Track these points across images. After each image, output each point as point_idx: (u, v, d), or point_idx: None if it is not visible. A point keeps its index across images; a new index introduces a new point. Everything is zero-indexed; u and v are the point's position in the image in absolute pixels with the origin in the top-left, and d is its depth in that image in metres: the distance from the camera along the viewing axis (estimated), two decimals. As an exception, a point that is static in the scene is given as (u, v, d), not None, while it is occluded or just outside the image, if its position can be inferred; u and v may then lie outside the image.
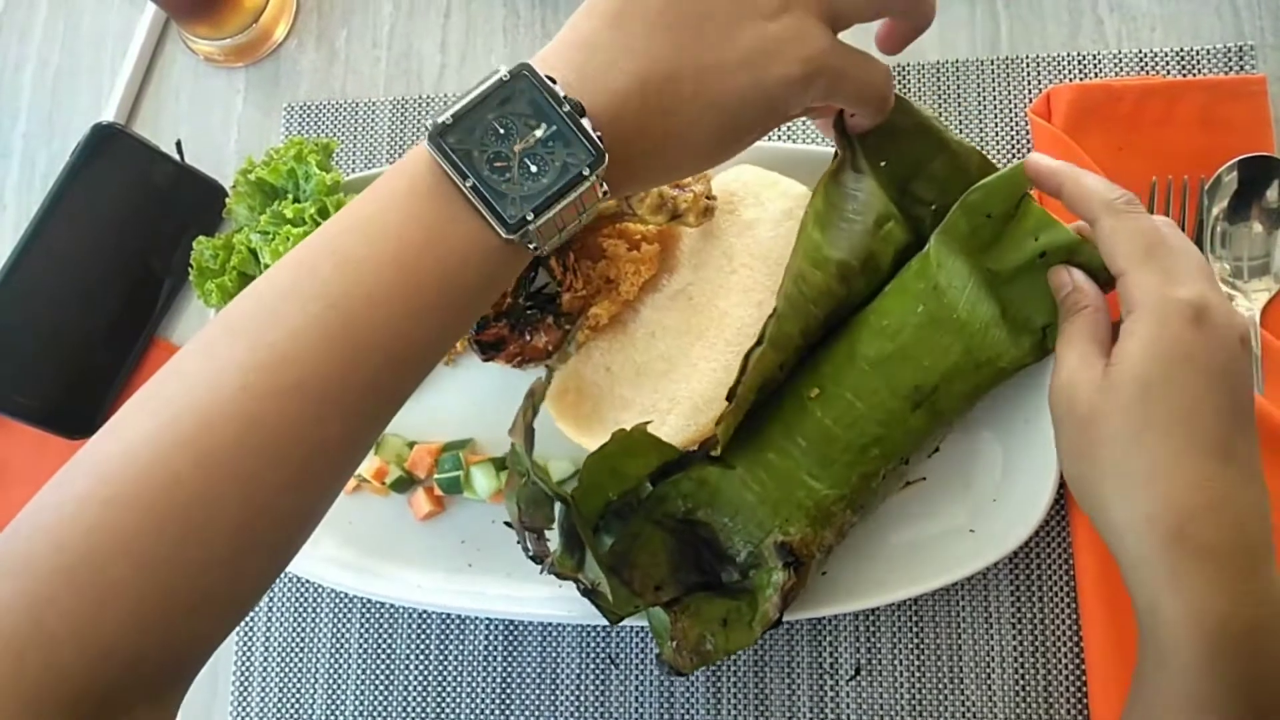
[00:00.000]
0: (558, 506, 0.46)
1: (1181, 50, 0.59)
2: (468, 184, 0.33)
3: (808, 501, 0.46)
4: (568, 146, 0.34)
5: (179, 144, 0.66)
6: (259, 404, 0.31)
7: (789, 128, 0.62)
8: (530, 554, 0.45)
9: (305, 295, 0.33)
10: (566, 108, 0.34)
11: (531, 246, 0.35)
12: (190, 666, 0.33)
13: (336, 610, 0.60)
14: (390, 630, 0.59)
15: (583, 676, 0.57)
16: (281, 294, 0.33)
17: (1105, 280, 0.43)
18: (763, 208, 0.54)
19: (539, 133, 0.34)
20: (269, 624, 0.60)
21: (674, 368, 0.54)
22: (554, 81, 0.34)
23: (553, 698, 0.57)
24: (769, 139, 0.62)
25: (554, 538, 0.47)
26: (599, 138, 0.34)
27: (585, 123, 0.34)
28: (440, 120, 0.34)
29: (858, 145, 0.47)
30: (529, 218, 0.33)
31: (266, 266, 0.59)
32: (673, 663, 0.46)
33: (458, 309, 0.35)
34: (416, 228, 0.34)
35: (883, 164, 0.48)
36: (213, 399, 0.31)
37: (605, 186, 0.35)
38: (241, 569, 0.32)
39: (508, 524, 0.57)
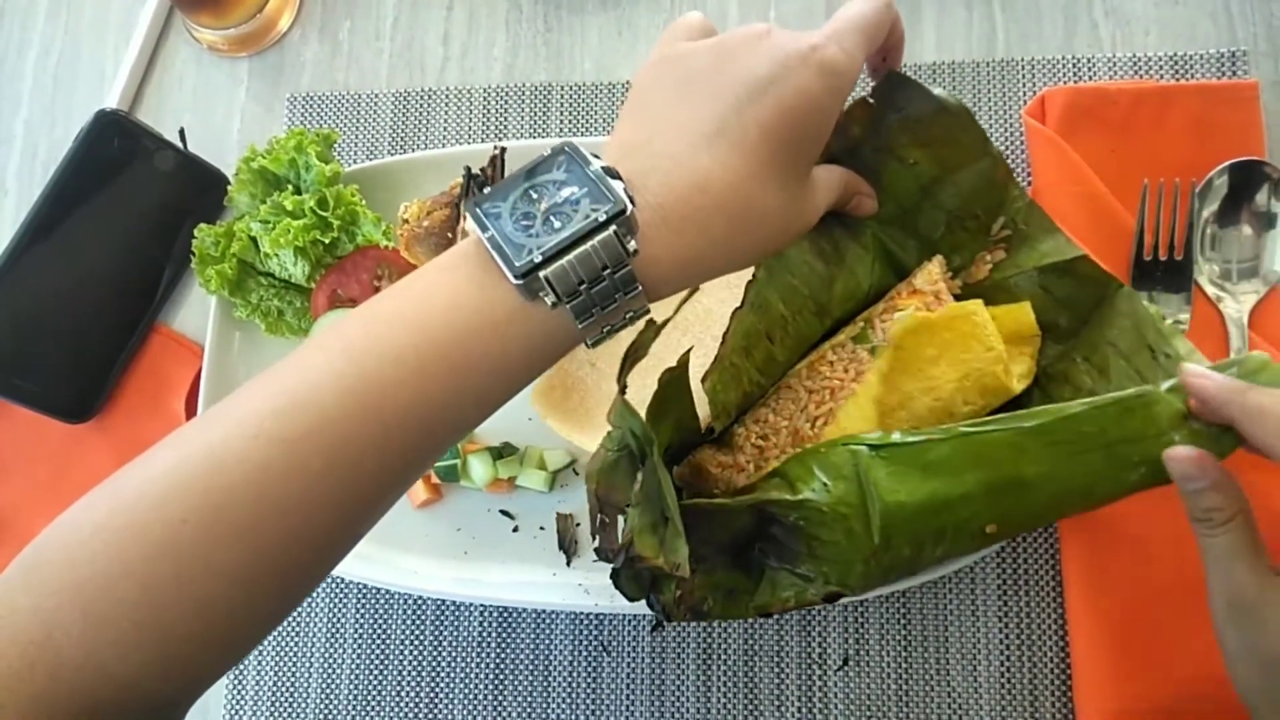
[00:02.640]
0: (639, 476, 0.44)
1: (1175, 55, 0.59)
2: (486, 235, 0.33)
3: (892, 575, 0.44)
4: (595, 202, 0.33)
5: (182, 132, 0.67)
6: (266, 450, 0.31)
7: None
8: (599, 546, 0.44)
9: (331, 349, 0.33)
10: (595, 166, 0.34)
11: (547, 300, 0.33)
12: (188, 695, 0.33)
13: (333, 595, 0.61)
14: (385, 615, 0.60)
15: (575, 663, 0.57)
16: (316, 345, 0.34)
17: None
18: None
19: (565, 192, 0.34)
20: (265, 609, 0.61)
21: (660, 362, 0.55)
22: (597, 157, 0.35)
23: (545, 684, 0.57)
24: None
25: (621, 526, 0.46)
26: (626, 191, 0.33)
27: (615, 184, 0.33)
28: (482, 191, 0.35)
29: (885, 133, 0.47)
30: (536, 260, 0.33)
31: (266, 255, 0.60)
32: (669, 609, 0.44)
33: (480, 375, 0.34)
34: (443, 291, 0.34)
35: (913, 162, 0.47)
36: (225, 442, 0.32)
37: (634, 244, 0.33)
38: (241, 611, 0.32)
39: (504, 513, 0.58)
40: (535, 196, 0.34)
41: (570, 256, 0.33)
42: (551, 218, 0.33)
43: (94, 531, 0.31)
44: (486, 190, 0.35)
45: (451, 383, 0.33)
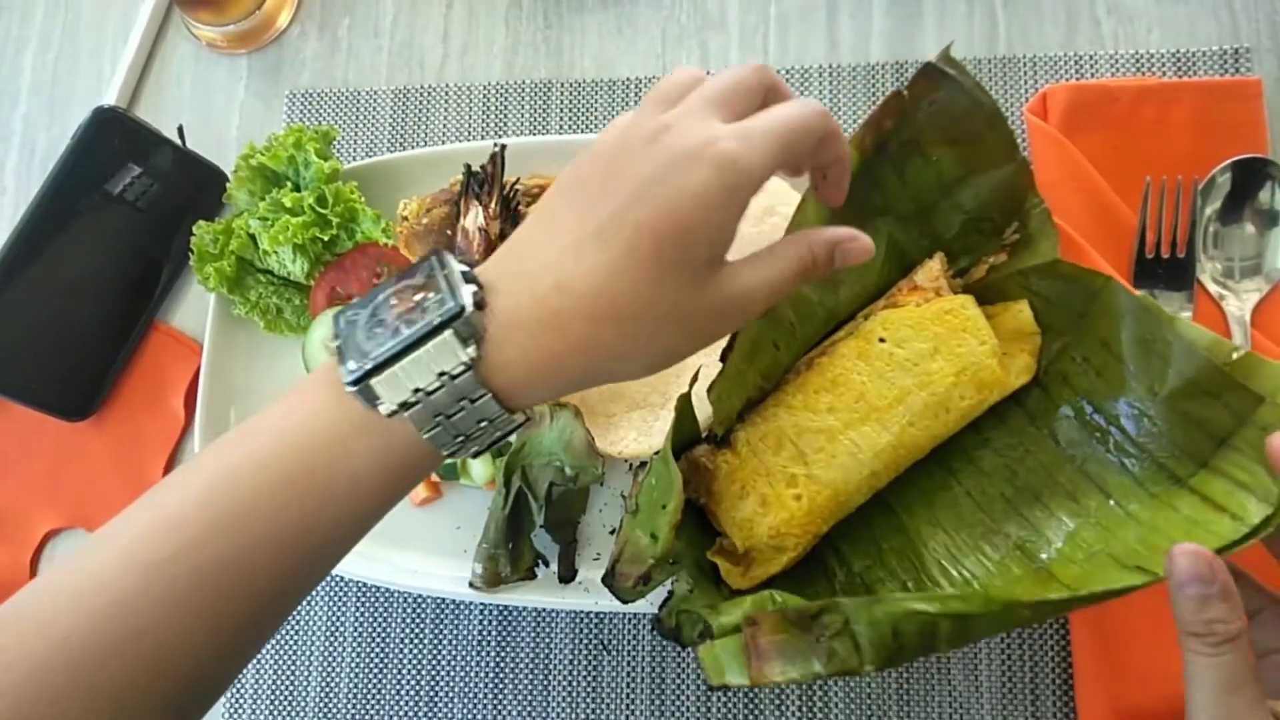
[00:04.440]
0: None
1: (1178, 52, 0.59)
2: (334, 344, 0.33)
3: None
4: (441, 306, 0.32)
5: (180, 129, 0.67)
6: (134, 575, 0.31)
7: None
8: (631, 588, 0.44)
9: (202, 468, 0.33)
10: (453, 269, 0.33)
11: (383, 409, 0.32)
12: None
13: (332, 593, 0.60)
14: (385, 613, 0.60)
15: (575, 662, 0.57)
16: (197, 461, 0.34)
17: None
18: None
19: (418, 296, 0.33)
20: (264, 607, 0.61)
21: None
22: (468, 266, 0.33)
23: (545, 682, 0.57)
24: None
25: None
26: (474, 294, 0.32)
27: (466, 288, 0.32)
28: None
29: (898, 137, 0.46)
30: (368, 366, 0.32)
31: (265, 252, 0.60)
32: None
33: (334, 491, 0.33)
34: (306, 403, 0.33)
35: (936, 159, 0.47)
36: (103, 563, 0.32)
37: (473, 351, 0.32)
38: None
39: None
40: (395, 302, 0.33)
41: (403, 362, 0.32)
42: (401, 324, 0.32)
43: None
44: (354, 300, 0.34)
45: (308, 499, 0.32)
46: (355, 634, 0.60)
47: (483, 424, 0.33)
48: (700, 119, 0.33)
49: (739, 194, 0.32)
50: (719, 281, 0.34)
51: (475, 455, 0.35)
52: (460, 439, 0.33)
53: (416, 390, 0.32)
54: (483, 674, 0.58)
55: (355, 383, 0.32)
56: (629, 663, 0.57)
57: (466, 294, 0.32)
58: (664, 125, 0.33)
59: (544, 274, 0.33)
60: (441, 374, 0.32)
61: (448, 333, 0.32)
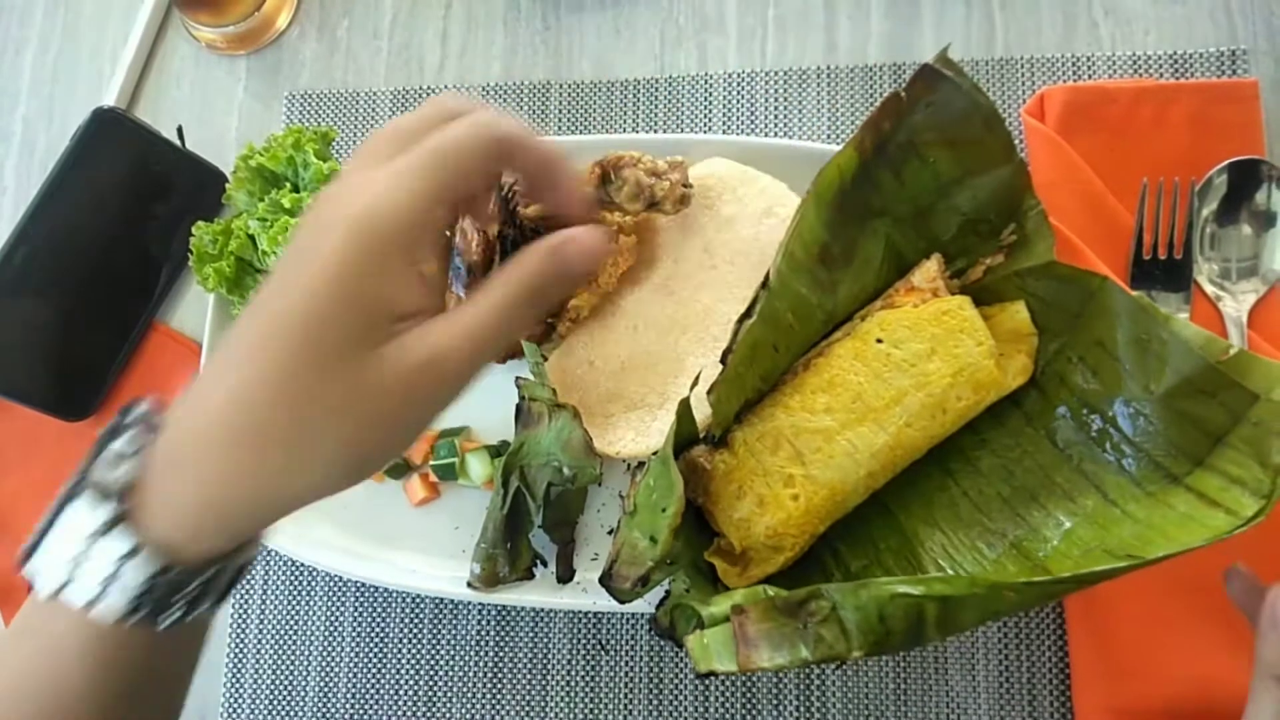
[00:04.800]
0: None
1: (1175, 54, 0.59)
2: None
3: None
4: (83, 464, 0.30)
5: (180, 130, 0.67)
6: None
7: (783, 124, 0.63)
8: (631, 588, 0.45)
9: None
10: (130, 414, 0.31)
11: (43, 591, 0.29)
12: None
13: (331, 593, 0.61)
14: (384, 613, 0.60)
15: (573, 662, 0.57)
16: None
17: None
18: (741, 204, 0.55)
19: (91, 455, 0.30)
20: (263, 605, 0.61)
21: (659, 361, 0.55)
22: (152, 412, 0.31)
23: (543, 682, 0.57)
24: (758, 135, 0.62)
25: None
26: (131, 438, 0.29)
27: (114, 443, 0.29)
28: None
29: (892, 134, 0.46)
30: (26, 546, 0.29)
31: (264, 253, 0.60)
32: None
33: (58, 685, 0.30)
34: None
35: (933, 160, 0.47)
36: None
37: (113, 506, 0.28)
38: None
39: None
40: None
41: (51, 534, 0.29)
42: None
43: None
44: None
45: (35, 686, 0.31)
46: (354, 634, 0.60)
47: (151, 584, 0.29)
48: (354, 175, 0.30)
49: (382, 247, 0.28)
50: (391, 354, 0.29)
51: (212, 609, 0.32)
52: (136, 604, 0.29)
53: (74, 559, 0.29)
54: (481, 674, 0.58)
55: (22, 565, 0.30)
56: (627, 662, 0.57)
57: (119, 442, 0.29)
58: (324, 197, 0.30)
59: (201, 401, 0.30)
60: (92, 535, 0.29)
61: (88, 492, 0.29)
